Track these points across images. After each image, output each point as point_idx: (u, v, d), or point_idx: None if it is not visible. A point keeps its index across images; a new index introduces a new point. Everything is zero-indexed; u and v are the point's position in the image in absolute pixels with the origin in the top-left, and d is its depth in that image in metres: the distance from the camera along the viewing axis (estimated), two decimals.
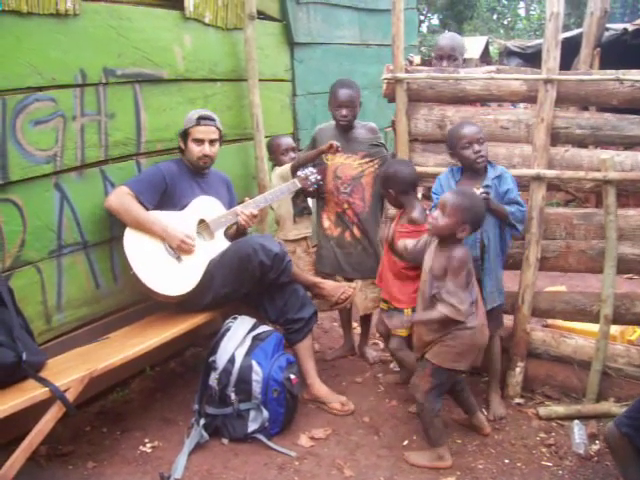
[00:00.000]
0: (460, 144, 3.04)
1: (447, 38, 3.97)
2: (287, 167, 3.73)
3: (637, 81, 3.05)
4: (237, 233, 3.49)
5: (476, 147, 3.01)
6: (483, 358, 2.99)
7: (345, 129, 3.67)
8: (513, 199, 3.04)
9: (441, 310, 2.66)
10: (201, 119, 3.38)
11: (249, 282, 3.22)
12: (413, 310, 3.07)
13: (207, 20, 3.85)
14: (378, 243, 3.73)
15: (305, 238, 3.90)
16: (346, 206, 3.70)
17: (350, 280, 3.72)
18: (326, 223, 3.81)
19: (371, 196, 3.70)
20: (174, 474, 2.74)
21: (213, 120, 3.43)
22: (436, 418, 2.81)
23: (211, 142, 3.42)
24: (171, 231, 3.21)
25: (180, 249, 3.22)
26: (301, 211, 3.87)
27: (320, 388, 3.36)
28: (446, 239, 2.73)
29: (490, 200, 2.91)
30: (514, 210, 3.02)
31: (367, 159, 3.68)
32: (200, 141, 3.39)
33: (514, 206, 3.03)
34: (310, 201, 3.95)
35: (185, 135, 3.41)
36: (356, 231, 3.72)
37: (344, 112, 3.61)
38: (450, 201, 2.68)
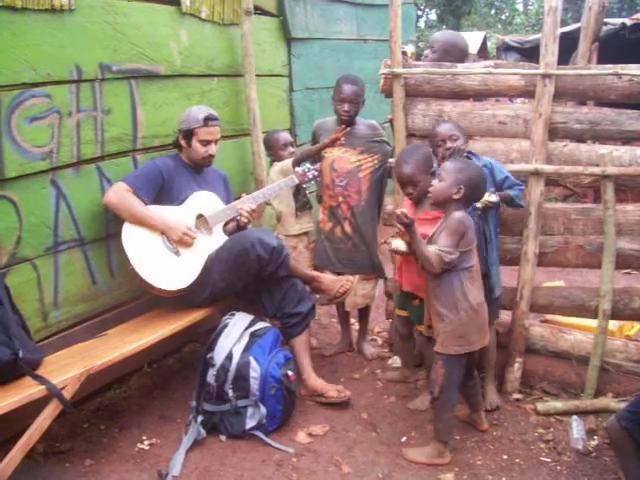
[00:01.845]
0: (434, 142, 3.12)
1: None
2: (288, 162, 3.72)
3: (635, 76, 3.04)
4: (237, 229, 3.48)
5: (448, 144, 3.05)
6: (479, 351, 2.98)
7: (346, 124, 3.66)
8: (513, 182, 3.11)
9: (431, 251, 2.65)
10: (208, 120, 3.34)
11: (247, 276, 3.22)
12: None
13: (204, 15, 3.83)
14: (372, 239, 3.73)
15: (306, 233, 3.90)
16: (341, 199, 3.70)
17: (340, 274, 3.71)
18: (320, 216, 3.82)
19: (368, 190, 3.69)
20: (172, 471, 2.74)
21: (217, 119, 3.41)
22: (447, 413, 2.81)
23: (215, 142, 3.41)
24: (172, 224, 3.20)
25: (181, 241, 3.21)
26: (303, 205, 3.86)
27: (315, 381, 3.35)
28: (449, 208, 2.74)
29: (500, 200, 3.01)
30: (517, 193, 3.10)
31: (365, 155, 3.67)
32: (207, 142, 3.37)
33: (515, 189, 3.10)
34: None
35: (189, 134, 3.37)
36: (347, 227, 3.71)
37: (346, 107, 3.62)
38: (446, 166, 2.77)
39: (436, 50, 3.77)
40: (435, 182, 2.77)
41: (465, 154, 3.11)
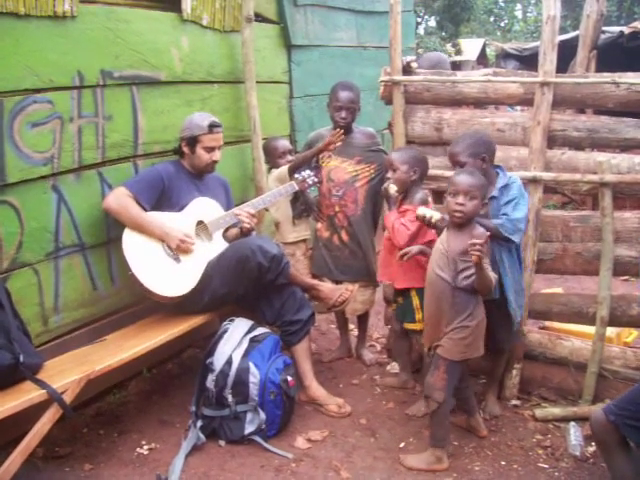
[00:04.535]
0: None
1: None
2: (284, 169, 3.73)
3: (633, 84, 3.06)
4: (241, 235, 3.48)
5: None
6: (487, 360, 3.02)
7: (343, 132, 3.67)
8: (504, 212, 2.86)
9: (495, 276, 2.67)
10: (212, 127, 3.34)
11: (247, 283, 3.23)
12: (417, 292, 3.10)
13: (205, 22, 3.85)
14: (369, 247, 3.74)
15: (304, 241, 3.91)
16: (337, 209, 3.71)
17: (338, 282, 3.72)
18: (318, 224, 3.83)
19: (364, 199, 3.70)
20: (171, 476, 2.74)
21: (221, 126, 3.41)
22: (446, 419, 2.82)
23: (219, 148, 3.43)
24: (170, 231, 3.21)
25: (179, 248, 3.22)
26: (300, 213, 3.87)
27: (317, 390, 3.36)
28: (466, 222, 2.71)
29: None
30: (502, 222, 2.82)
31: (362, 164, 3.68)
32: (211, 148, 3.37)
33: (502, 217, 2.84)
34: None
35: (193, 141, 3.36)
36: (344, 235, 3.72)
37: (343, 114, 3.62)
38: (473, 183, 2.66)
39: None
40: (463, 200, 2.64)
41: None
